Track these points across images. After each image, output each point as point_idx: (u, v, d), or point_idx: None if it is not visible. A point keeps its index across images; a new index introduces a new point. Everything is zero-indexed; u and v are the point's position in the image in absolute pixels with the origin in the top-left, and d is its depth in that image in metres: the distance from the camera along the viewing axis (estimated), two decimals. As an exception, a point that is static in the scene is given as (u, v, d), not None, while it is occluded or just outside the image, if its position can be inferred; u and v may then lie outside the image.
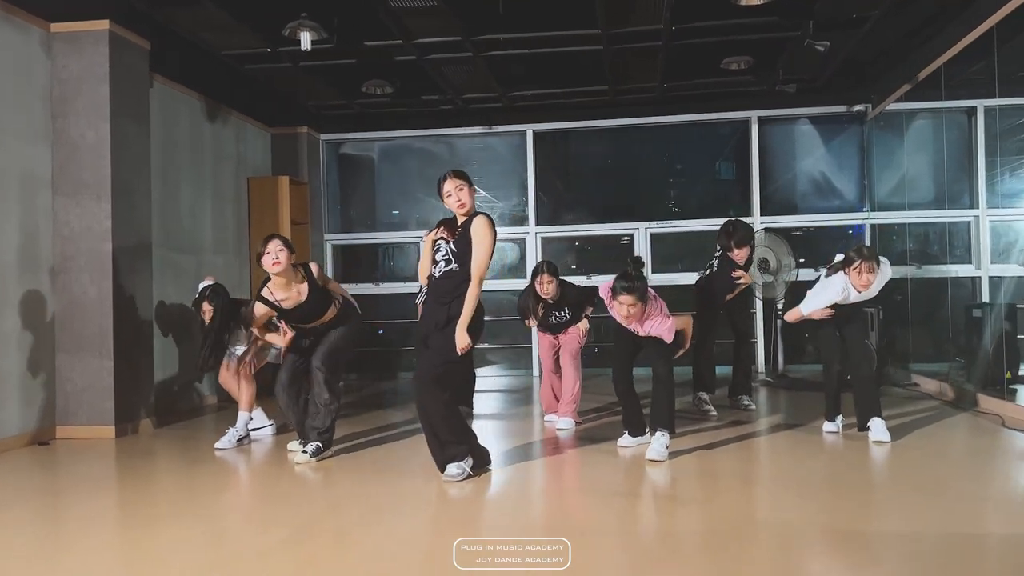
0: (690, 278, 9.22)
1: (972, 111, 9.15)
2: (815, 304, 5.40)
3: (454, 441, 4.41)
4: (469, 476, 4.43)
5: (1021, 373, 7.34)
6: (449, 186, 4.45)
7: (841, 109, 9.52)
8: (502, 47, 7.18)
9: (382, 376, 10.05)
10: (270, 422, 6.17)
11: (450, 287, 4.43)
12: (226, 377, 6.14)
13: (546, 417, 6.38)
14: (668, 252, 9.76)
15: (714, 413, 6.41)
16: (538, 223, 9.89)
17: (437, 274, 4.48)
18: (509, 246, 9.98)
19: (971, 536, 3.48)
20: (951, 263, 9.12)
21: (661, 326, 4.92)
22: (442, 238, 4.52)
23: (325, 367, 5.18)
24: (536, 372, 9.80)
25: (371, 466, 5.01)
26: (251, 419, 5.98)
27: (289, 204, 9.08)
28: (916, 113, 9.36)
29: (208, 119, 8.35)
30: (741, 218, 7.11)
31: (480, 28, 6.80)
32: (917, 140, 9.40)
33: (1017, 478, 4.57)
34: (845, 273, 5.28)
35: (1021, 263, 8.09)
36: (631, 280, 4.81)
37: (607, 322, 5.79)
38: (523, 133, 9.94)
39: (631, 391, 5.26)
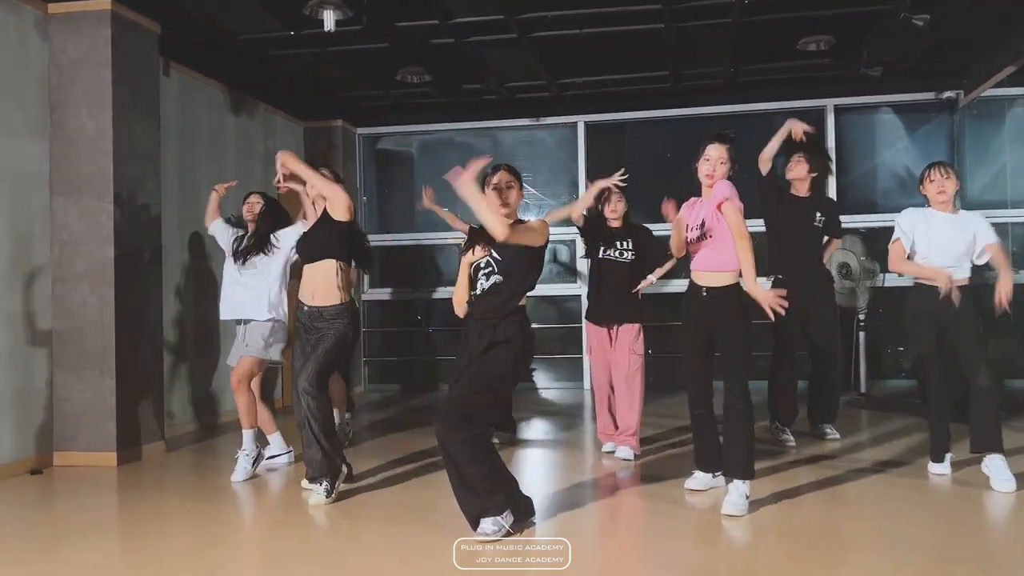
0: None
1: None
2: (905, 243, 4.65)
3: (488, 490, 3.63)
4: (509, 534, 3.65)
5: None
6: (499, 179, 3.81)
7: (928, 96, 8.54)
8: (549, 26, 6.39)
9: (423, 386, 9.35)
10: (288, 449, 5.46)
11: (497, 303, 3.73)
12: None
13: (604, 447, 5.51)
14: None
15: (793, 444, 5.57)
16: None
17: (480, 292, 3.79)
18: (560, 247, 9.18)
19: None
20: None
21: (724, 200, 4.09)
22: (482, 256, 3.85)
23: (314, 388, 4.40)
24: (587, 385, 9.00)
25: (396, 509, 4.28)
26: (256, 446, 5.23)
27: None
28: (1016, 99, 8.37)
29: (232, 112, 7.71)
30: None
31: (524, 5, 6.02)
32: (1020, 130, 8.40)
33: None
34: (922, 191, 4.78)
35: None
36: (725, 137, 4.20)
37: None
38: (574, 125, 9.14)
39: (710, 416, 4.41)
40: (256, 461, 5.14)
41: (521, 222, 3.79)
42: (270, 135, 8.41)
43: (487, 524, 3.60)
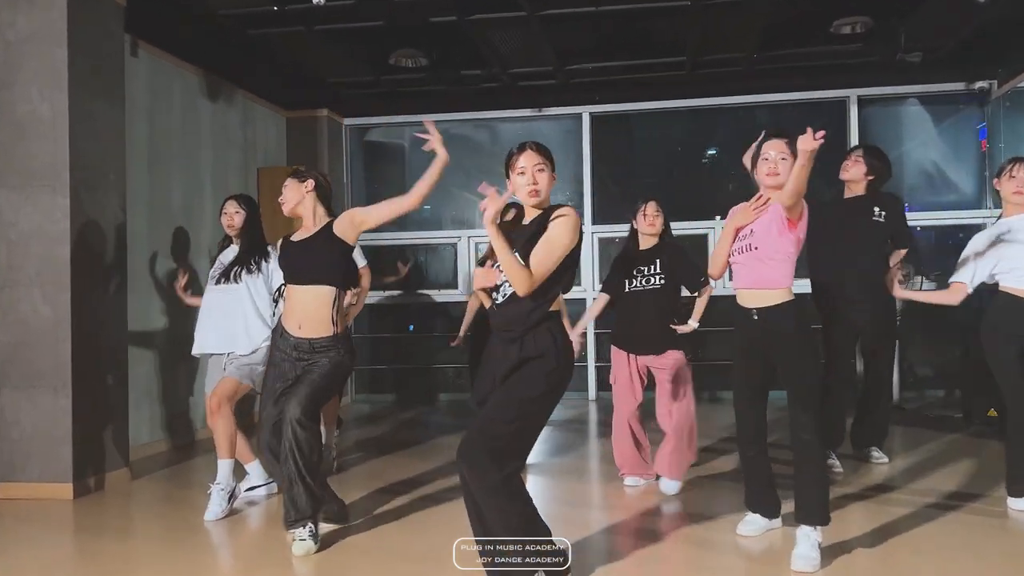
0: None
1: None
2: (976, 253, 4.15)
3: (519, 553, 2.98)
4: None
5: None
6: (525, 161, 3.09)
7: (959, 86, 7.97)
8: (562, 3, 5.74)
9: (416, 398, 8.69)
10: (269, 480, 4.78)
11: (521, 314, 3.04)
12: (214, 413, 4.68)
13: (626, 480, 4.83)
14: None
15: (840, 470, 4.95)
16: (595, 222, 8.45)
17: (500, 300, 3.12)
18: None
19: None
20: None
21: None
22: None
23: (306, 418, 3.70)
24: (593, 395, 8.38)
25: (395, 556, 3.64)
26: (233, 481, 4.56)
27: (304, 198, 7.72)
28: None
29: (208, 98, 7.02)
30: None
31: (538, -22, 5.38)
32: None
33: None
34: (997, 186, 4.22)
35: None
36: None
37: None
38: (578, 117, 8.51)
39: (763, 456, 3.80)
40: (232, 497, 4.47)
41: (553, 209, 3.10)
42: (249, 124, 7.72)
43: None
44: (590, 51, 6.96)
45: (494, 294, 3.15)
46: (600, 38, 6.64)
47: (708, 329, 5.30)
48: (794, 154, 3.44)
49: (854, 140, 7.95)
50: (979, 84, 7.88)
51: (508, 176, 3.13)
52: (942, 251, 8.05)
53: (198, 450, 6.19)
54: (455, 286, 8.71)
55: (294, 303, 3.89)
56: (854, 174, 5.01)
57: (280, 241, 4.22)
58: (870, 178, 4.98)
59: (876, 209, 4.95)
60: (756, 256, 3.53)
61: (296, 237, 4.04)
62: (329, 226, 3.95)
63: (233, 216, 4.72)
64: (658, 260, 4.71)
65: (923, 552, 3.64)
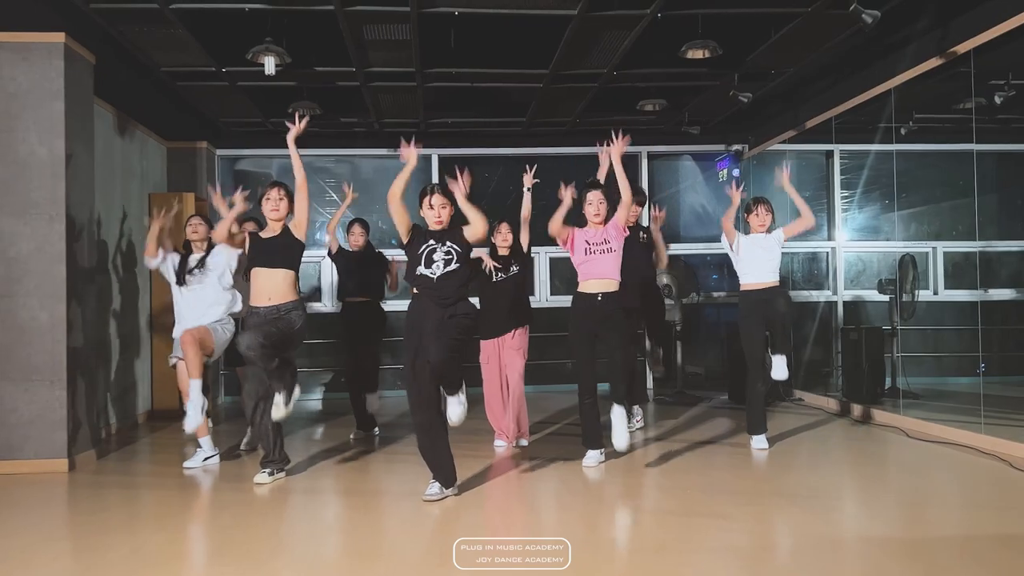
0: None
1: (830, 154, 10.36)
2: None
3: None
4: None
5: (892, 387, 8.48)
6: (435, 201, 4.87)
7: (721, 147, 10.42)
8: (449, 79, 7.40)
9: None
10: (215, 451, 6.04)
11: (452, 288, 4.71)
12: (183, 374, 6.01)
13: (496, 442, 6.45)
14: (569, 277, 10.24)
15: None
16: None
17: (434, 275, 4.70)
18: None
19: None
20: (811, 289, 10.25)
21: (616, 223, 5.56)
22: (432, 241, 4.78)
23: (285, 388, 5.20)
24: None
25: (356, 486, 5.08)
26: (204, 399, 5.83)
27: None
28: (784, 153, 10.44)
29: (119, 134, 7.99)
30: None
31: (433, 60, 6.99)
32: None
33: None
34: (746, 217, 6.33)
35: (882, 290, 9.20)
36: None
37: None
38: (429, 157, 10.15)
39: (595, 404, 5.69)
40: (203, 409, 5.72)
41: (457, 224, 4.86)
42: (144, 156, 8.69)
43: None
44: (453, 108, 8.65)
45: (424, 270, 4.72)
46: (465, 100, 8.33)
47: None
48: (607, 199, 5.37)
49: (645, 183, 10.19)
50: (735, 146, 10.38)
51: (420, 205, 4.89)
52: (708, 271, 10.44)
53: (143, 430, 7.42)
54: (318, 299, 10.04)
55: (264, 282, 5.27)
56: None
57: (248, 237, 5.48)
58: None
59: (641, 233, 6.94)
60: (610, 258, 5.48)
61: (264, 235, 5.44)
62: (287, 228, 5.43)
63: (198, 227, 6.29)
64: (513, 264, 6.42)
65: (693, 469, 5.64)
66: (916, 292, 8.92)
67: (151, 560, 3.88)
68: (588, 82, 7.59)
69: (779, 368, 6.14)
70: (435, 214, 4.84)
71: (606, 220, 5.60)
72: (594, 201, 5.62)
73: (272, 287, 5.29)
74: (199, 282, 6.06)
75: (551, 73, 7.24)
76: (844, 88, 7.92)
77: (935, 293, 10.19)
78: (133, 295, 8.09)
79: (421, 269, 4.74)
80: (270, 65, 6.36)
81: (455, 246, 4.76)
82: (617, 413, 5.37)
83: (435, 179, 10.10)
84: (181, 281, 6.08)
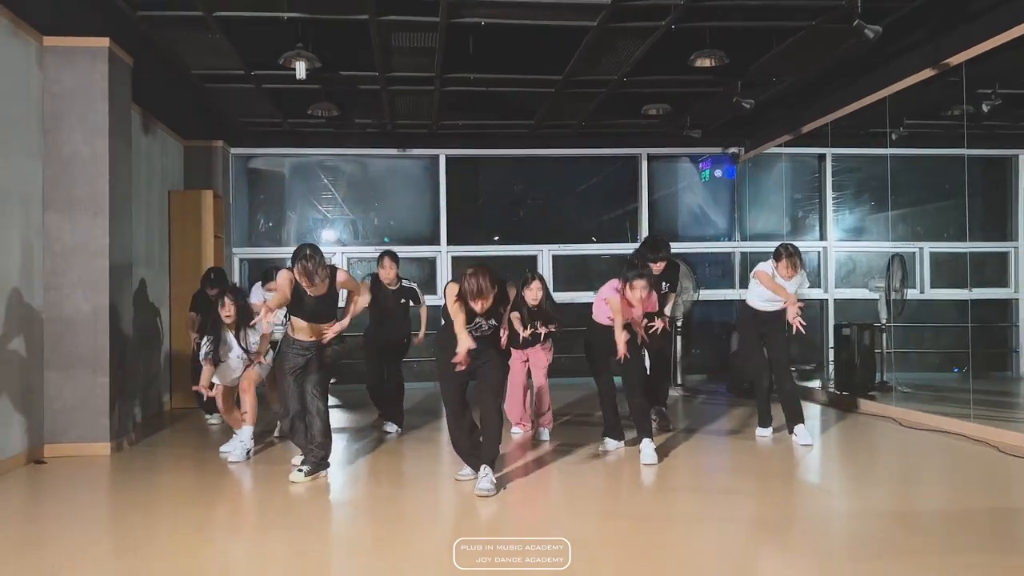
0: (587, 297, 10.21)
1: (822, 157, 10.78)
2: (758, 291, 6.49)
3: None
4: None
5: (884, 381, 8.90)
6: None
7: (718, 150, 10.80)
8: (467, 84, 7.73)
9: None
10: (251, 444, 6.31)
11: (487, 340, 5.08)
12: (227, 402, 6.21)
13: (513, 429, 6.83)
14: (569, 273, 10.62)
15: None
16: (449, 243, 10.44)
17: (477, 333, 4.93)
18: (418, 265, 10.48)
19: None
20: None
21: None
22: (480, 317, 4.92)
23: (319, 391, 5.47)
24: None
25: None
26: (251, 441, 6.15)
27: (212, 219, 9.09)
28: (780, 156, 10.84)
29: (144, 133, 8.27)
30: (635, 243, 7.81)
31: (453, 66, 7.32)
32: (778, 180, 10.87)
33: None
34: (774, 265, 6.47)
35: (871, 288, 9.62)
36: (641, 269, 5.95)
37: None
38: (436, 158, 10.46)
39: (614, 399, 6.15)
40: (249, 453, 6.03)
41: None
42: (165, 154, 8.97)
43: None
44: (465, 111, 8.97)
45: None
46: (477, 104, 8.65)
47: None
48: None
49: (645, 183, 10.58)
50: (732, 149, 10.76)
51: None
52: (704, 269, 10.82)
53: (167, 419, 7.76)
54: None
55: (312, 328, 5.45)
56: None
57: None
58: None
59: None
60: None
61: (313, 293, 5.32)
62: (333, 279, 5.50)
63: (230, 308, 6.00)
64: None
65: (713, 451, 6.02)
66: (905, 290, 9.33)
67: (201, 535, 4.18)
68: (598, 88, 7.94)
69: (803, 436, 6.29)
70: (478, 307, 4.82)
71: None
72: (638, 288, 5.76)
73: (316, 332, 5.45)
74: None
75: (564, 79, 7.59)
76: (841, 95, 8.32)
77: (921, 292, 10.63)
78: (157, 289, 8.38)
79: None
80: (301, 70, 6.66)
81: (492, 321, 4.98)
82: (646, 449, 5.68)
83: (443, 179, 10.44)
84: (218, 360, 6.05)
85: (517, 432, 6.82)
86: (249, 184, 10.61)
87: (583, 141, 10.33)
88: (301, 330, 5.48)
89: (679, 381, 9.69)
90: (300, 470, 5.32)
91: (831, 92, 8.39)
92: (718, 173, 10.88)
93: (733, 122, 9.57)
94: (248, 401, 6.06)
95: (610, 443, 6.12)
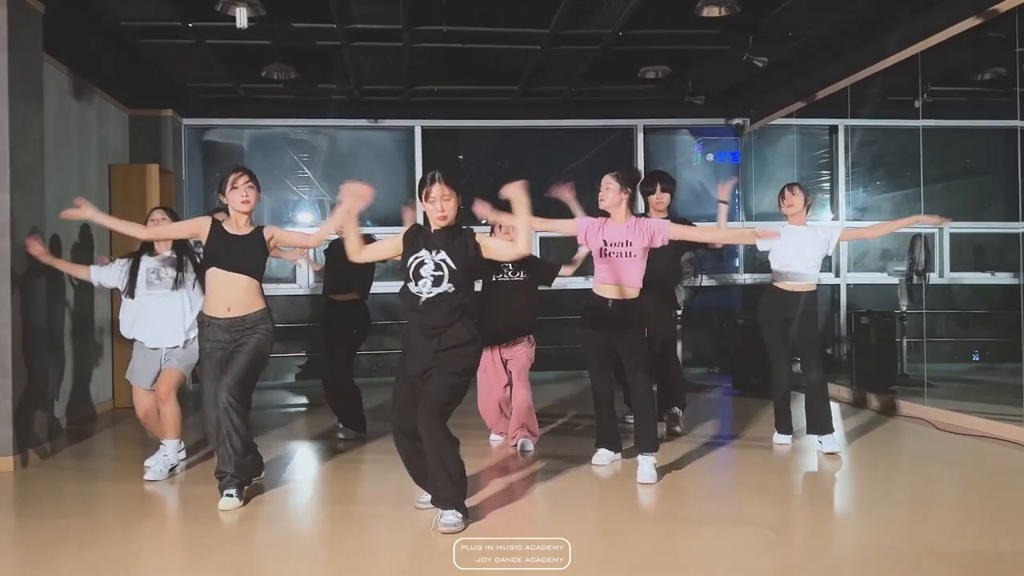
0: (577, 283, 9.31)
1: (834, 129, 9.84)
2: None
3: (463, 486, 3.92)
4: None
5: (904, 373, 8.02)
6: (436, 192, 3.94)
7: (720, 122, 9.86)
8: (439, 39, 6.77)
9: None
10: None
11: (442, 315, 3.86)
12: (147, 410, 5.22)
13: (491, 437, 5.87)
14: (560, 257, 9.65)
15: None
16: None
17: (422, 296, 3.88)
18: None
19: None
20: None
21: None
22: (424, 251, 3.91)
23: (236, 395, 4.38)
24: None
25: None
26: (181, 447, 5.21)
27: (159, 196, 8.11)
28: (788, 128, 9.90)
29: (76, 99, 7.27)
30: None
31: (422, 17, 6.36)
32: (787, 153, 9.95)
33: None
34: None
35: (891, 272, 8.73)
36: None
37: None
38: (411, 129, 9.50)
39: (612, 408, 5.16)
40: (173, 470, 5.08)
41: (460, 226, 4.00)
42: (103, 123, 7.99)
43: (450, 516, 3.77)
44: (440, 74, 8.00)
45: (412, 287, 3.87)
46: (453, 65, 7.69)
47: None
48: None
49: (641, 159, 9.63)
50: (736, 121, 9.83)
51: (420, 199, 3.96)
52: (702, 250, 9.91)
53: (106, 421, 6.94)
54: (292, 280, 9.40)
55: (226, 289, 4.44)
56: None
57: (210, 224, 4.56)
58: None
59: None
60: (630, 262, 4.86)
61: (230, 230, 4.53)
62: (260, 230, 4.58)
63: (161, 223, 5.05)
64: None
65: (724, 465, 5.12)
66: (927, 275, 8.46)
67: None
68: (590, 44, 6.98)
69: (829, 443, 5.42)
70: (437, 208, 3.91)
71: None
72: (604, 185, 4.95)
73: (233, 295, 4.47)
74: (183, 291, 5.09)
75: (551, 33, 6.63)
76: (859, 56, 7.38)
77: (941, 276, 9.74)
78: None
79: (410, 285, 3.91)
80: (242, 17, 5.72)
81: (449, 261, 3.87)
82: (644, 467, 4.74)
83: (419, 153, 9.48)
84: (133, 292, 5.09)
85: (496, 440, 5.88)
86: (204, 159, 9.62)
87: (574, 111, 9.36)
88: (215, 301, 4.47)
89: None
90: (229, 495, 4.37)
91: (847, 52, 7.45)
92: (710, 157, 10.00)
93: (737, 89, 8.64)
94: (169, 412, 5.05)
95: (603, 455, 5.19)
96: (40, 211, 5.64)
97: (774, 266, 5.68)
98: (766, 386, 6.25)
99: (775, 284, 5.69)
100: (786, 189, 5.73)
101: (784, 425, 5.72)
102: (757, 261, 9.22)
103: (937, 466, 5.33)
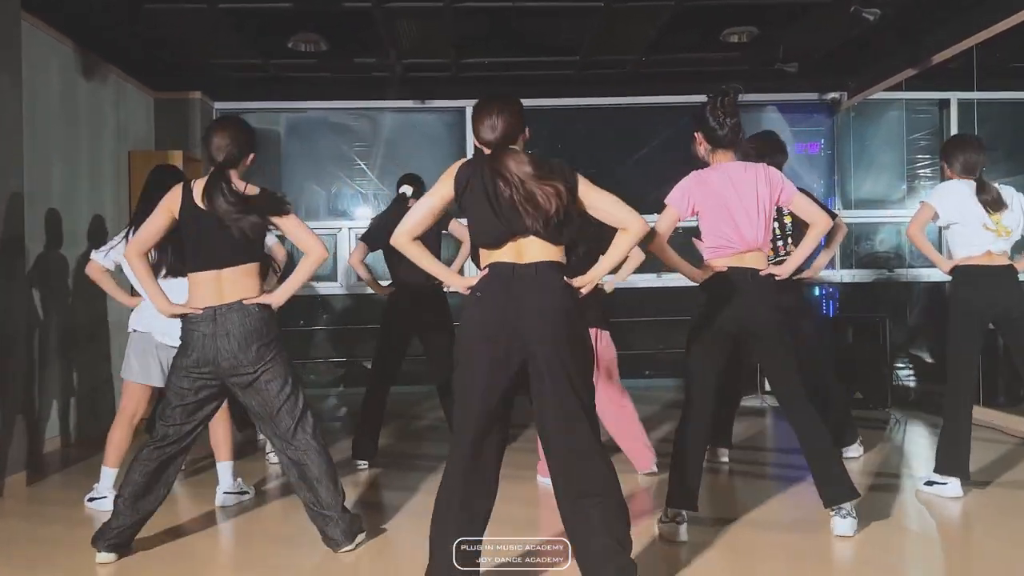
0: (653, 281, 8.24)
1: (945, 103, 8.55)
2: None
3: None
4: None
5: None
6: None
7: (812, 96, 8.68)
8: (485, -1, 5.81)
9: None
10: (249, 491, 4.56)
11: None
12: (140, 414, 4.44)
13: (540, 478, 4.69)
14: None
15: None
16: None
17: None
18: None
19: None
20: (922, 267, 8.50)
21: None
22: None
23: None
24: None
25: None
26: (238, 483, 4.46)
27: (182, 186, 7.34)
28: (893, 103, 8.67)
29: (85, 77, 6.53)
30: None
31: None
32: (893, 132, 8.72)
33: None
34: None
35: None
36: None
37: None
38: (462, 110, 8.55)
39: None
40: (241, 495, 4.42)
41: None
42: (122, 105, 7.25)
43: None
44: (489, 44, 7.04)
45: None
46: (502, 32, 6.72)
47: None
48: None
49: (720, 142, 8.49)
50: (831, 95, 8.62)
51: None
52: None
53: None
54: (334, 279, 8.58)
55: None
56: None
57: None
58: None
59: None
60: None
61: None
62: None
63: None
64: None
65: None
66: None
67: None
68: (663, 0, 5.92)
69: None
70: None
71: None
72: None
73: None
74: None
75: (615, -14, 5.61)
76: (980, 15, 6.15)
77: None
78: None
79: None
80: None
81: None
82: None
83: (469, 137, 8.50)
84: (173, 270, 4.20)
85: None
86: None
87: (645, 86, 8.29)
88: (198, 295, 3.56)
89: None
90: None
91: (967, 10, 6.22)
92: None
93: (836, 57, 7.44)
94: (222, 430, 4.36)
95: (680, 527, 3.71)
96: (15, 204, 4.83)
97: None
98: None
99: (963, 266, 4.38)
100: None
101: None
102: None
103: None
